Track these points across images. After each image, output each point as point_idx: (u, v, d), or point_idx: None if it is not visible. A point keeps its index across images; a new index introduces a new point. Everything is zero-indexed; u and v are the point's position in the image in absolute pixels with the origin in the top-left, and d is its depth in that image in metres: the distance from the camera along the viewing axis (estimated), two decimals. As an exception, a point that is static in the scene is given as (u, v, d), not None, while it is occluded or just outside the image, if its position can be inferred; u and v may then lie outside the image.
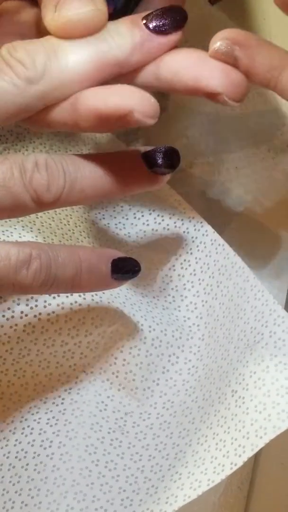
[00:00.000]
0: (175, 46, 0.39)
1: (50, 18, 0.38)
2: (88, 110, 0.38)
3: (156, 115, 0.37)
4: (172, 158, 0.40)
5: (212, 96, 0.39)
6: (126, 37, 0.38)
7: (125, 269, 0.42)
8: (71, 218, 0.49)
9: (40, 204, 0.38)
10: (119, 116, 0.37)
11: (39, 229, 0.46)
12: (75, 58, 0.38)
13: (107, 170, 0.39)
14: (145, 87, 0.38)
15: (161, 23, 0.38)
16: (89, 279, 0.40)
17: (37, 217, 0.47)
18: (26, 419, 0.44)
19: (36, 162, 0.38)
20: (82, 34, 0.38)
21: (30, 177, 0.38)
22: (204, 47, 0.56)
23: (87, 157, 0.40)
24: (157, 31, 0.38)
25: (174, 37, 0.39)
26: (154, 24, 0.38)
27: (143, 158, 0.40)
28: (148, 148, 0.41)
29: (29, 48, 0.38)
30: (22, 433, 0.44)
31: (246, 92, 0.39)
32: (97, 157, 0.40)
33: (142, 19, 0.39)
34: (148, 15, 0.39)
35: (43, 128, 0.40)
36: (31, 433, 0.44)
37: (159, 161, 0.40)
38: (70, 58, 0.38)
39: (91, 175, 0.39)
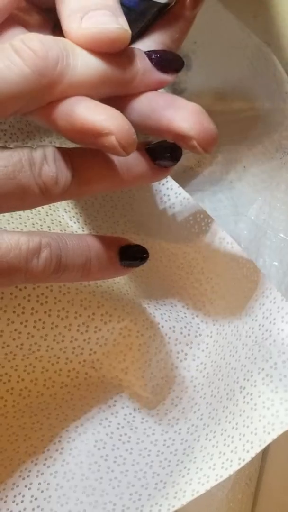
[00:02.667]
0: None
1: (76, 26, 0.38)
2: (77, 117, 0.38)
3: (130, 149, 0.38)
4: (175, 150, 0.41)
5: (182, 139, 0.39)
6: (133, 62, 0.40)
7: (133, 255, 0.42)
8: (80, 216, 0.49)
9: (49, 195, 0.39)
10: (97, 133, 0.37)
11: (49, 227, 0.47)
12: (85, 63, 0.38)
13: (113, 162, 0.40)
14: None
15: (163, 58, 0.40)
16: (99, 266, 0.41)
17: (47, 215, 0.47)
18: (36, 415, 0.45)
19: (45, 154, 0.39)
20: (105, 49, 0.39)
21: (39, 170, 0.38)
22: (212, 48, 0.56)
23: (95, 149, 0.40)
24: (158, 65, 0.40)
25: (170, 77, 0.41)
26: (157, 56, 0.40)
27: (147, 151, 0.41)
28: (152, 142, 0.41)
29: (44, 40, 0.38)
30: (31, 428, 0.44)
31: (215, 143, 0.40)
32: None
33: (146, 52, 0.40)
34: (151, 51, 0.40)
35: (39, 123, 0.41)
36: (40, 429, 0.44)
37: (163, 154, 0.41)
38: (81, 62, 0.38)
39: (98, 168, 0.40)
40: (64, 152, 0.39)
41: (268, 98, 0.57)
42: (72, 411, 0.45)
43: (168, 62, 0.41)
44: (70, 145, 0.53)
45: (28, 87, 0.37)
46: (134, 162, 0.41)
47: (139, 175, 0.41)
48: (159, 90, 0.41)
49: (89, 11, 0.38)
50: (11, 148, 0.39)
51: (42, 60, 0.37)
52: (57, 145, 0.51)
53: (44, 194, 0.39)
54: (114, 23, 0.38)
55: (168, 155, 0.41)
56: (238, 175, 0.55)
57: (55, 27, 0.43)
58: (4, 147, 0.39)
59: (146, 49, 0.41)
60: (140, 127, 0.41)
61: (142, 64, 0.40)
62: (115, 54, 0.39)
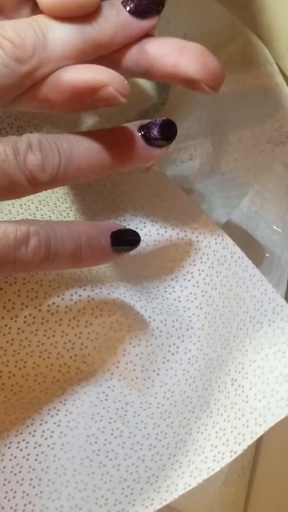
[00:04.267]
0: (152, 33, 0.41)
1: None
2: (65, 84, 0.38)
3: (127, 95, 0.38)
4: (169, 130, 0.41)
5: (190, 83, 0.40)
6: (110, 19, 0.40)
7: (124, 240, 0.42)
8: (71, 210, 0.49)
9: (36, 184, 0.39)
10: (93, 89, 0.38)
11: (39, 221, 0.47)
12: (61, 38, 0.39)
13: (103, 145, 0.40)
14: (126, 74, 0.39)
15: (138, 6, 0.40)
16: (90, 253, 0.41)
17: (37, 210, 0.47)
18: (27, 410, 0.44)
19: (30, 142, 0.38)
20: (74, 14, 0.39)
21: (24, 158, 0.38)
22: (203, 40, 0.56)
23: (82, 134, 0.40)
24: (136, 14, 0.40)
25: (152, 21, 0.40)
26: (132, 6, 0.40)
27: (140, 130, 0.41)
28: (145, 121, 0.41)
29: (17, 27, 0.38)
30: (23, 424, 0.44)
31: (222, 79, 0.40)
32: (92, 134, 0.40)
33: (121, 3, 0.40)
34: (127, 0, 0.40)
35: (29, 107, 0.41)
36: (32, 424, 0.44)
37: (156, 133, 0.41)
38: (57, 38, 0.39)
39: (87, 152, 0.40)
40: (50, 139, 0.39)
41: (260, 89, 0.57)
42: (63, 406, 0.45)
43: (145, 6, 0.40)
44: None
45: (10, 76, 0.38)
46: (126, 144, 0.41)
47: (131, 158, 0.41)
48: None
49: None
50: None
51: (19, 49, 0.38)
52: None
53: (31, 183, 0.38)
54: None
55: (161, 133, 0.41)
56: (229, 167, 0.55)
57: None
58: None
59: None
60: (142, 76, 0.41)
61: (121, 18, 0.40)
62: (91, 16, 0.39)
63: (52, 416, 0.44)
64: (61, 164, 0.39)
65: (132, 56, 0.41)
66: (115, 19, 0.40)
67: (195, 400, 0.45)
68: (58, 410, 0.45)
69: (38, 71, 0.39)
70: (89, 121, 0.54)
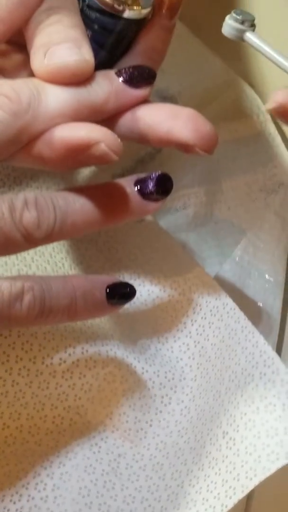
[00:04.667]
0: (146, 100, 0.42)
1: (39, 63, 0.40)
2: (59, 141, 0.39)
3: (119, 153, 0.39)
4: (164, 184, 0.42)
5: (184, 147, 0.41)
6: (103, 85, 0.41)
7: (120, 293, 0.42)
8: (66, 260, 0.50)
9: (32, 241, 0.39)
10: (86, 146, 0.39)
11: (34, 273, 0.47)
12: (56, 98, 0.40)
13: (98, 201, 0.41)
14: (120, 138, 0.40)
15: (131, 76, 0.42)
16: (85, 307, 0.41)
17: (32, 261, 0.48)
18: (21, 462, 0.45)
19: (26, 200, 0.39)
20: (68, 82, 0.40)
21: (20, 216, 0.39)
22: (197, 89, 0.57)
23: (78, 190, 0.41)
24: (129, 83, 0.41)
25: (144, 91, 0.42)
26: (125, 76, 0.41)
27: (136, 185, 0.41)
28: (141, 175, 0.42)
29: (13, 84, 0.40)
30: (16, 476, 0.44)
31: (216, 143, 0.42)
32: (87, 190, 0.41)
33: (115, 73, 0.42)
34: (120, 70, 0.42)
35: (25, 163, 0.42)
36: (25, 476, 0.44)
37: (151, 187, 0.41)
38: (52, 97, 0.40)
39: (82, 208, 0.40)
40: (46, 196, 0.40)
41: (252, 139, 0.58)
42: (57, 458, 0.45)
43: (139, 76, 0.42)
44: (56, 189, 0.54)
45: (6, 131, 0.39)
46: (121, 199, 0.41)
47: (127, 211, 0.42)
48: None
49: (51, 46, 0.40)
50: None
51: (15, 103, 0.39)
52: (44, 190, 0.52)
53: (26, 240, 0.39)
54: (75, 55, 0.40)
55: (157, 187, 0.41)
56: (222, 215, 0.56)
57: None
58: None
59: (132, 63, 0.43)
60: (137, 141, 0.42)
61: (114, 85, 0.41)
62: (85, 82, 0.41)
63: (45, 468, 0.45)
64: (57, 221, 0.39)
65: (126, 123, 0.42)
66: (109, 85, 0.41)
67: (187, 452, 0.45)
68: (52, 462, 0.45)
69: (33, 126, 0.39)
70: (85, 170, 0.55)
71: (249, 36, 0.43)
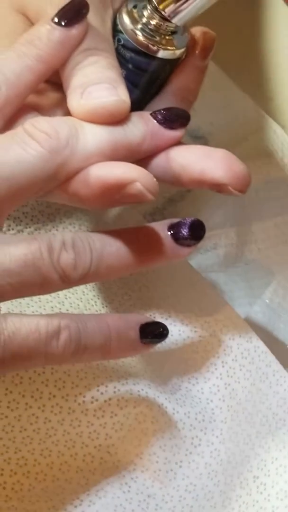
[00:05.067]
0: (180, 142, 0.43)
1: (76, 102, 0.41)
2: (95, 179, 0.40)
3: (155, 193, 0.40)
4: (197, 230, 0.42)
5: (218, 187, 0.42)
6: (139, 126, 0.42)
7: (153, 333, 0.43)
8: (98, 298, 0.50)
9: (68, 281, 0.40)
10: (122, 185, 0.39)
11: (67, 310, 0.48)
12: (94, 136, 0.41)
13: (133, 245, 0.41)
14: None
15: (167, 117, 0.42)
16: (119, 346, 0.41)
17: (65, 298, 0.48)
18: (51, 499, 0.45)
19: (64, 241, 0.40)
20: (105, 121, 0.41)
21: (58, 257, 0.39)
22: (228, 129, 0.57)
23: (113, 233, 0.41)
24: (164, 124, 0.42)
25: (178, 132, 0.43)
26: (160, 117, 0.42)
27: (169, 230, 0.42)
28: (174, 220, 0.42)
29: (52, 121, 0.40)
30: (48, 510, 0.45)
31: (249, 183, 0.42)
32: (123, 232, 0.42)
33: (150, 114, 0.42)
34: (155, 111, 0.43)
35: (61, 200, 0.42)
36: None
37: (185, 232, 0.42)
38: (90, 136, 0.41)
39: (117, 251, 0.41)
40: (83, 237, 0.40)
41: (283, 181, 0.59)
42: (87, 497, 0.45)
43: (173, 118, 0.42)
44: (89, 225, 0.54)
45: (45, 167, 0.39)
46: (155, 243, 0.42)
47: (160, 255, 0.42)
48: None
49: (88, 86, 0.41)
50: (31, 235, 0.41)
51: (55, 140, 0.39)
52: (77, 226, 0.53)
53: (63, 280, 0.40)
54: (112, 96, 0.41)
55: (190, 233, 0.42)
56: (252, 257, 0.56)
57: None
58: (27, 236, 0.40)
59: (165, 103, 0.44)
60: (171, 184, 0.43)
61: (150, 126, 0.42)
62: (121, 122, 0.41)
63: (75, 506, 0.45)
64: (93, 263, 0.40)
65: (160, 164, 0.42)
66: (144, 126, 0.42)
67: (217, 495, 0.45)
68: (82, 501, 0.45)
69: (71, 163, 0.40)
70: (117, 208, 0.55)
71: None
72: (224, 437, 0.47)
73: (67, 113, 0.42)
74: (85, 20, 0.42)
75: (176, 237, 0.42)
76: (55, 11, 0.42)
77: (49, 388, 0.44)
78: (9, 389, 0.43)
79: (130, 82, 0.43)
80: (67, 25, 0.41)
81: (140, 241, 0.42)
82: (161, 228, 0.42)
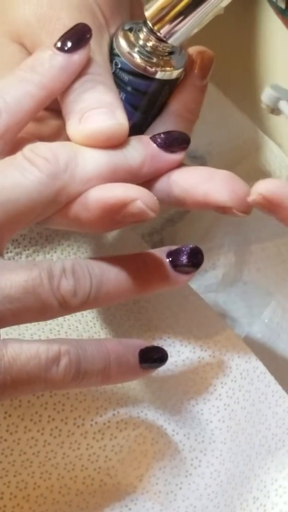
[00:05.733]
0: (181, 164, 0.43)
1: (74, 128, 0.42)
2: (95, 201, 0.40)
3: (156, 210, 0.40)
4: (196, 257, 0.42)
5: (221, 209, 0.42)
6: (139, 149, 0.42)
7: (152, 358, 0.43)
8: (97, 320, 0.50)
9: (67, 308, 0.40)
10: (123, 204, 0.39)
11: (66, 332, 0.48)
12: (93, 160, 0.41)
13: (132, 271, 0.41)
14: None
15: (166, 141, 0.43)
16: (118, 370, 0.41)
17: (64, 320, 0.48)
18: (51, 523, 0.45)
19: (64, 268, 0.40)
20: (103, 145, 0.41)
21: (58, 284, 0.39)
22: (226, 149, 0.58)
23: (112, 259, 0.42)
24: (163, 147, 0.42)
25: (178, 155, 0.43)
26: (159, 141, 0.42)
27: (168, 257, 0.42)
28: (173, 247, 0.43)
29: (51, 146, 0.41)
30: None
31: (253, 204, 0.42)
32: (122, 259, 0.42)
33: (150, 138, 0.43)
34: (155, 135, 0.43)
35: (62, 226, 0.42)
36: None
37: (183, 260, 0.42)
38: (89, 160, 0.41)
39: (116, 278, 0.41)
40: (82, 264, 0.40)
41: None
42: (87, 520, 0.45)
43: (173, 141, 0.43)
44: (88, 247, 0.54)
45: (44, 192, 0.39)
46: (154, 269, 0.42)
47: (159, 282, 0.42)
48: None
49: (86, 111, 0.41)
50: (31, 262, 0.41)
51: (53, 164, 0.40)
52: (75, 248, 0.53)
53: (62, 307, 0.40)
54: (109, 120, 0.41)
55: (188, 260, 0.42)
56: (251, 276, 0.56)
57: None
58: (28, 262, 0.41)
59: (166, 124, 0.44)
60: (174, 206, 0.43)
61: (149, 150, 0.42)
62: (121, 146, 0.42)
63: (75, 529, 0.45)
64: (92, 290, 0.40)
65: (162, 187, 0.42)
66: (144, 149, 0.42)
67: (217, 517, 0.45)
68: (82, 524, 0.45)
69: (71, 187, 0.40)
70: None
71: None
72: (224, 458, 0.47)
73: (67, 140, 0.42)
74: (88, 46, 0.42)
75: (175, 264, 0.42)
76: (49, 38, 0.42)
77: (48, 411, 0.44)
78: (8, 413, 0.43)
79: (130, 105, 0.44)
80: (70, 50, 0.42)
81: (139, 268, 0.42)
82: (160, 255, 0.43)
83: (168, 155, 0.42)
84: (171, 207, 0.45)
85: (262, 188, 0.40)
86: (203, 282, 0.56)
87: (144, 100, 0.44)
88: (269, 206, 0.40)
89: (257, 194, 0.40)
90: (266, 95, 0.42)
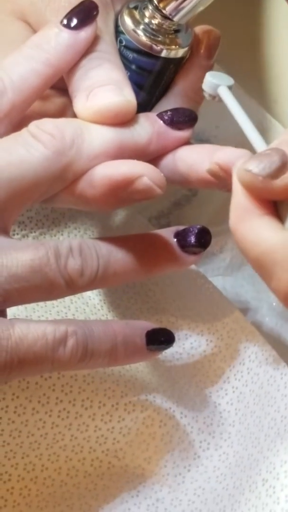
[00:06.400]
0: (188, 142, 0.43)
1: (82, 105, 0.41)
2: (101, 178, 0.40)
3: (163, 187, 0.39)
4: (204, 237, 0.42)
5: (226, 187, 0.41)
6: (145, 127, 0.42)
7: (159, 340, 0.43)
8: (104, 303, 0.50)
9: (74, 287, 0.40)
10: (130, 181, 0.39)
11: (73, 314, 0.48)
12: (100, 136, 0.41)
13: (139, 252, 0.41)
14: None
15: (173, 118, 0.42)
16: (125, 352, 0.41)
17: (71, 302, 0.48)
18: (59, 504, 0.45)
19: (71, 247, 0.40)
20: (111, 122, 0.41)
21: (65, 263, 0.39)
22: (233, 132, 0.57)
23: (120, 239, 0.41)
24: (170, 125, 0.42)
25: (185, 133, 0.42)
26: (166, 118, 0.42)
27: (176, 237, 0.42)
28: (181, 227, 0.42)
29: (57, 122, 0.40)
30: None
31: None
32: (129, 239, 0.42)
33: (157, 115, 0.42)
34: (162, 112, 0.42)
35: (68, 204, 0.42)
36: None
37: (191, 240, 0.42)
38: (95, 136, 0.41)
39: (123, 258, 0.41)
40: (90, 244, 0.40)
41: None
42: (95, 502, 0.45)
43: (180, 118, 0.42)
44: (94, 230, 0.54)
45: (50, 169, 0.39)
46: (161, 250, 0.42)
47: (166, 263, 0.42)
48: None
49: (94, 88, 0.41)
50: (38, 241, 0.40)
51: (59, 141, 0.39)
52: (82, 231, 0.53)
53: (69, 286, 0.40)
54: (117, 96, 0.41)
55: (196, 240, 0.42)
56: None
57: None
58: (34, 242, 0.40)
59: (172, 104, 0.43)
60: (180, 185, 0.43)
61: (156, 127, 0.42)
62: (128, 123, 0.41)
63: (83, 511, 0.45)
64: (99, 270, 0.40)
65: (168, 165, 0.42)
66: (151, 127, 0.42)
67: (226, 499, 0.45)
68: (90, 506, 0.45)
69: (77, 164, 0.40)
70: (122, 212, 0.55)
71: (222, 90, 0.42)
72: (233, 440, 0.47)
73: (73, 118, 0.42)
74: (95, 23, 0.41)
75: (183, 245, 0.42)
76: (54, 15, 0.42)
77: (56, 393, 0.44)
78: (15, 394, 0.43)
79: (135, 83, 0.43)
80: (76, 27, 0.41)
81: (147, 249, 0.42)
82: (168, 235, 0.42)
83: (175, 132, 0.42)
84: (176, 186, 0.44)
85: (219, 157, 0.40)
86: (211, 266, 0.56)
87: (149, 79, 0.44)
88: (224, 177, 0.39)
89: (214, 163, 0.40)
90: (206, 83, 0.41)
